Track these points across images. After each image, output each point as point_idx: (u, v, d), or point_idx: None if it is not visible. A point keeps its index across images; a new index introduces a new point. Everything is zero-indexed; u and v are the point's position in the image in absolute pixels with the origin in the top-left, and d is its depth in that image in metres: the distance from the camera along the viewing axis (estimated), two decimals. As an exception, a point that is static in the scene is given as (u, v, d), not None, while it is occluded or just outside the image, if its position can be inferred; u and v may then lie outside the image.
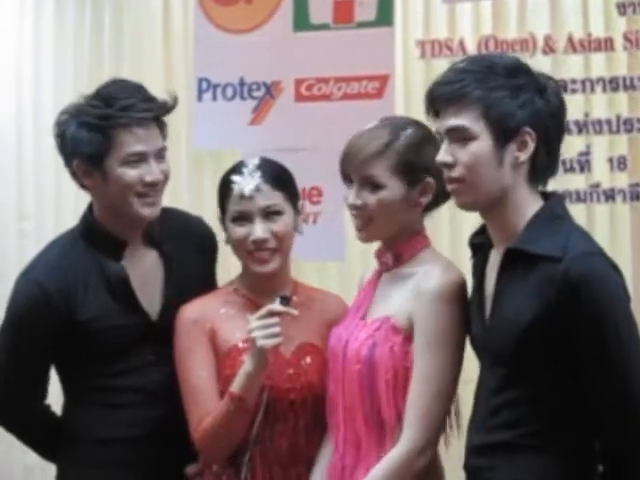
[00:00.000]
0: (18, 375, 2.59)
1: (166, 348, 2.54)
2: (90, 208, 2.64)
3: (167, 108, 2.60)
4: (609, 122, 3.99)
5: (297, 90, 4.03)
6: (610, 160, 3.99)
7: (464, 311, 2.31)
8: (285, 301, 2.44)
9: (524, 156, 2.14)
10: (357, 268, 3.80)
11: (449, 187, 2.21)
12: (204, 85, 4.10)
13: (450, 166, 2.17)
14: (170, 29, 4.46)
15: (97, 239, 2.59)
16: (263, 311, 2.42)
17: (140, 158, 2.52)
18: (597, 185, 4.00)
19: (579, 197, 3.99)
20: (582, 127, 4.00)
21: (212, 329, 2.52)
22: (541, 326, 2.07)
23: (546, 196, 2.21)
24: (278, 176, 2.57)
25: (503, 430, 2.14)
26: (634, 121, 3.96)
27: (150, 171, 2.53)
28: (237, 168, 2.58)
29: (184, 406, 2.51)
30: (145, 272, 2.61)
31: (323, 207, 3.83)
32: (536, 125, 2.13)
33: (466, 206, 2.22)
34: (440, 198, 2.41)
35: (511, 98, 2.12)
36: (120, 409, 2.57)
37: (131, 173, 2.52)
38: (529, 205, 2.17)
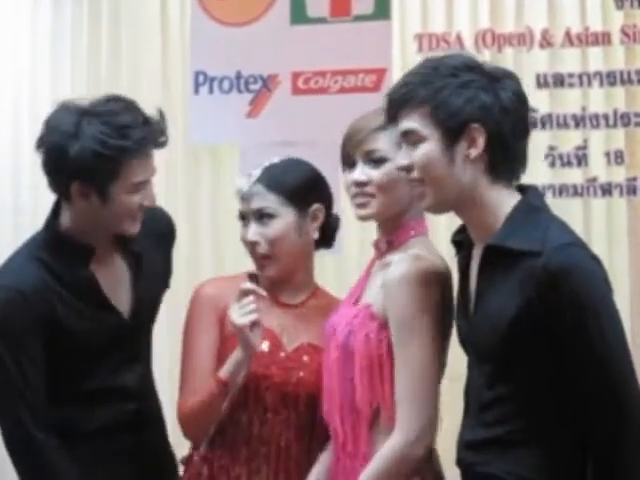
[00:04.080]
0: (30, 380, 2.49)
1: (138, 347, 2.61)
2: (55, 215, 2.60)
3: (162, 132, 2.57)
4: (606, 116, 3.98)
5: (294, 83, 4.03)
6: (607, 154, 3.98)
7: (438, 296, 2.28)
8: (254, 279, 2.46)
9: (475, 152, 2.12)
10: (354, 261, 3.81)
11: (413, 191, 2.20)
12: (201, 78, 4.10)
13: (408, 169, 2.18)
14: (167, 22, 4.44)
15: (63, 247, 2.55)
16: (237, 294, 2.43)
17: (144, 186, 2.54)
18: (594, 179, 3.99)
19: (576, 191, 3.99)
20: (579, 121, 4.00)
21: (225, 308, 2.49)
22: (524, 321, 2.06)
23: (523, 189, 2.20)
24: (278, 179, 2.53)
25: (495, 426, 2.14)
26: (631, 115, 3.96)
27: (147, 196, 2.54)
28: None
29: (179, 382, 2.54)
30: (114, 274, 2.61)
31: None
32: (485, 121, 2.11)
33: (430, 209, 2.22)
34: None
35: (457, 96, 2.11)
36: (94, 406, 2.55)
37: (135, 199, 2.51)
38: (503, 201, 2.15)
